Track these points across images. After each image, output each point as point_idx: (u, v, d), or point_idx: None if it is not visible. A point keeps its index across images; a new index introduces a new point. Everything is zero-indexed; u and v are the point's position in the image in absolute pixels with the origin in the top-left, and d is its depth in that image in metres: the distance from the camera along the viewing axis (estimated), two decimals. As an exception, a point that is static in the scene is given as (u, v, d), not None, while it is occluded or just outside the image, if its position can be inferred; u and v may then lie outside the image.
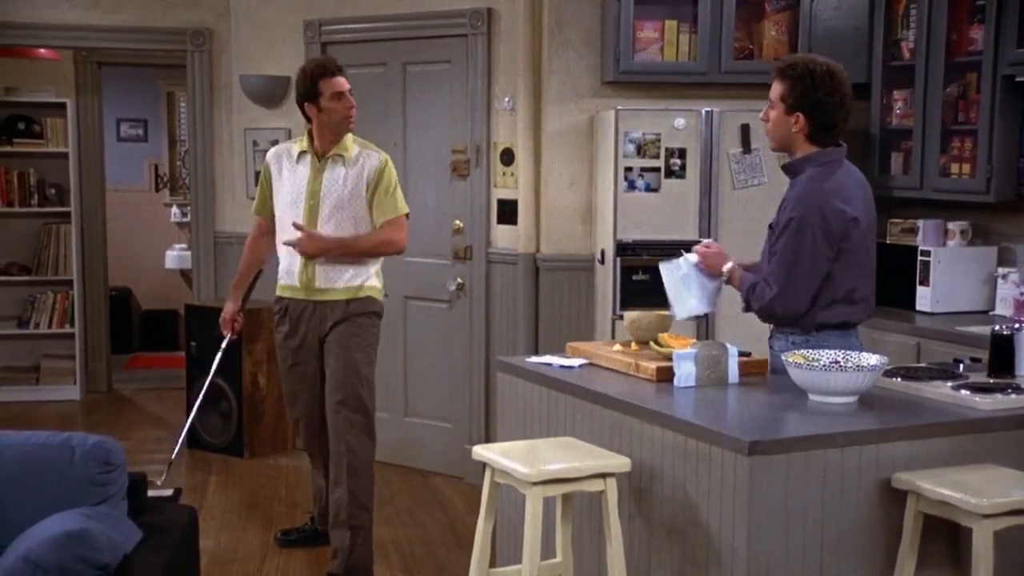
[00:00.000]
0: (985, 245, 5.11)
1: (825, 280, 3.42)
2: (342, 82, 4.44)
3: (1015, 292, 4.86)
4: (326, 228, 4.43)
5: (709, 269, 3.60)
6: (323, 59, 4.72)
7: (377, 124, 6.11)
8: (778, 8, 5.44)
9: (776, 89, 3.46)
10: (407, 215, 4.57)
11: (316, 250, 4.43)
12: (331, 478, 4.57)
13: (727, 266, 3.57)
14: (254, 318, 6.30)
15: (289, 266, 4.52)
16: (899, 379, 3.35)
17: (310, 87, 4.43)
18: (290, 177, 4.52)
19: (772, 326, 3.62)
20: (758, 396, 3.29)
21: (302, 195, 4.46)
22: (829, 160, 3.46)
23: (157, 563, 2.88)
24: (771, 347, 3.61)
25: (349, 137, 4.52)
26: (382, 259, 4.62)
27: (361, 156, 4.50)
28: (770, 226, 3.56)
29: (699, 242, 3.85)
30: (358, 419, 4.49)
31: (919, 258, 5.04)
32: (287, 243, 4.44)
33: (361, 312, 4.52)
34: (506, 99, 5.64)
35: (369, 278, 4.54)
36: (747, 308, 3.54)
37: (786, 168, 3.56)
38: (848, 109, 3.47)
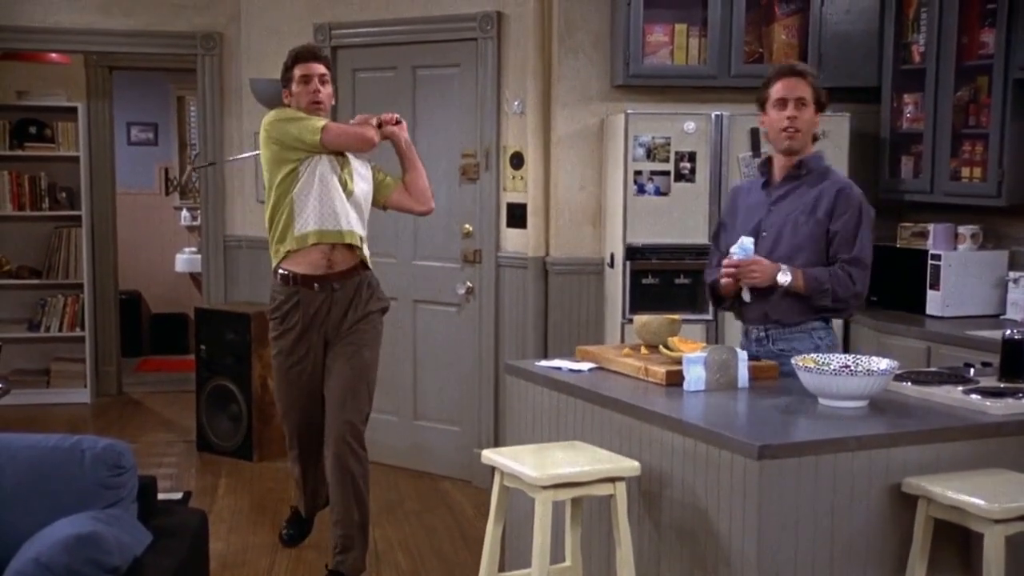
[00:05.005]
0: (996, 249, 5.10)
1: None
2: (311, 66, 4.38)
3: (1026, 296, 4.85)
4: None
5: (762, 284, 3.57)
6: (303, 46, 4.58)
7: (387, 128, 6.13)
8: (788, 12, 5.43)
9: (807, 90, 3.57)
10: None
11: None
12: None
13: (783, 276, 3.54)
14: (262, 320, 6.31)
15: None
16: (909, 383, 3.35)
17: (284, 73, 4.46)
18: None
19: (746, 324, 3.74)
20: (768, 400, 3.28)
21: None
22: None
23: (167, 566, 2.88)
24: (771, 341, 3.68)
25: None
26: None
27: None
28: (816, 217, 3.60)
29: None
30: None
31: (929, 262, 5.03)
32: None
33: None
34: (516, 103, 5.65)
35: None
36: (835, 301, 3.56)
37: (804, 164, 3.62)
38: None
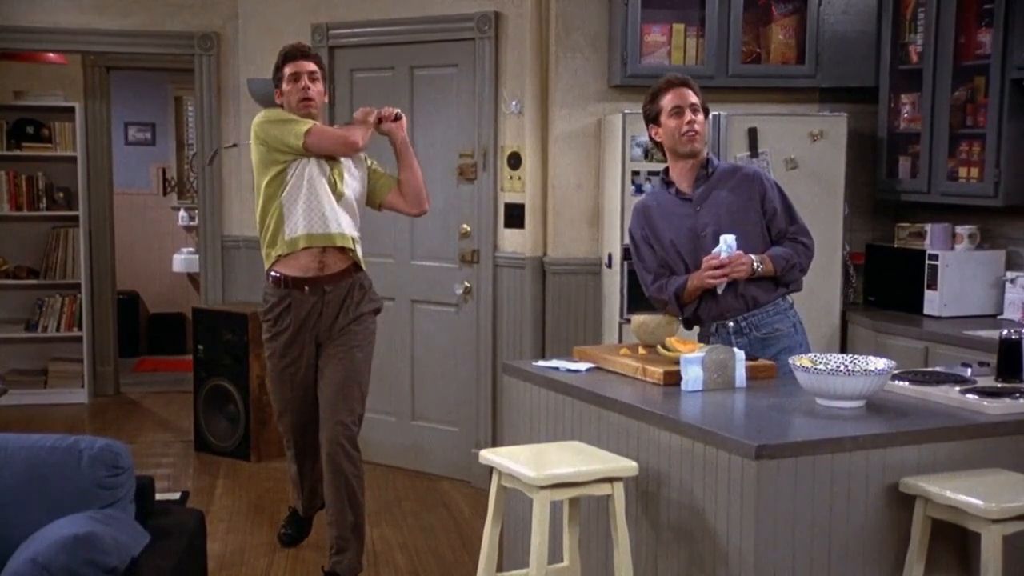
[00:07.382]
0: (993, 249, 5.11)
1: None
2: (301, 64, 4.37)
3: (1023, 296, 4.85)
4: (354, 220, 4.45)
5: (741, 275, 3.67)
6: (293, 44, 4.54)
7: (384, 128, 6.12)
8: (785, 12, 5.43)
9: (696, 97, 3.77)
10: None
11: None
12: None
13: (757, 264, 3.67)
14: (260, 320, 6.30)
15: None
16: (907, 383, 3.35)
17: (274, 73, 4.44)
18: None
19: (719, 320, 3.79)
20: (765, 400, 3.28)
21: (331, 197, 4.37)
22: None
23: (164, 566, 2.88)
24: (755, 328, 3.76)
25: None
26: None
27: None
28: (764, 210, 3.77)
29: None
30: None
31: (927, 262, 5.04)
32: None
33: None
34: (513, 103, 5.65)
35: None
36: (801, 272, 3.77)
37: (710, 163, 3.82)
38: None
